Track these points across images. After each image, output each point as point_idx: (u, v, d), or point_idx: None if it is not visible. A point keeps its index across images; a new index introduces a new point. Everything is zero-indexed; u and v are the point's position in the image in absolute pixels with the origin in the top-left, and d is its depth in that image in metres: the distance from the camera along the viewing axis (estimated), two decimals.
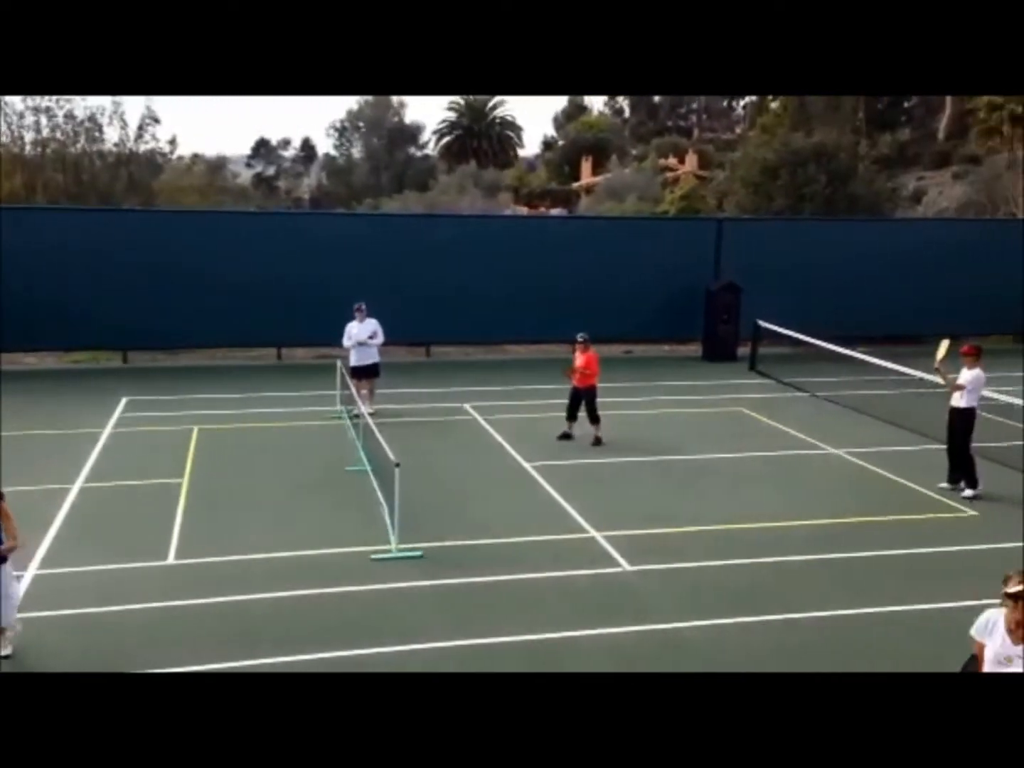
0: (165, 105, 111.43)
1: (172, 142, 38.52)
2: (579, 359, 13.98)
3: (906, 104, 63.63)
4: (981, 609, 5.48)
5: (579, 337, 14.05)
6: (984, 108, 36.50)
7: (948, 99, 52.92)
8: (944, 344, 12.08)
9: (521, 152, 79.21)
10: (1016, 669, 5.04)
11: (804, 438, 14.38)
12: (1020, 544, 9.95)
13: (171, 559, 9.58)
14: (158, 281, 19.39)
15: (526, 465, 12.89)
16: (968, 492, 11.70)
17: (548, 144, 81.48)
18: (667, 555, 9.80)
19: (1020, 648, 5.08)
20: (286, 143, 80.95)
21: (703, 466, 13.05)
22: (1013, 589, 5.03)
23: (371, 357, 15.33)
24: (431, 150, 75.60)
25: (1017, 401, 13.40)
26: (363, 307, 15.31)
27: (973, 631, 5.32)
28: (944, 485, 11.98)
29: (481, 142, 73.31)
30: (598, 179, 58.90)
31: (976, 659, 5.32)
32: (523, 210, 51.70)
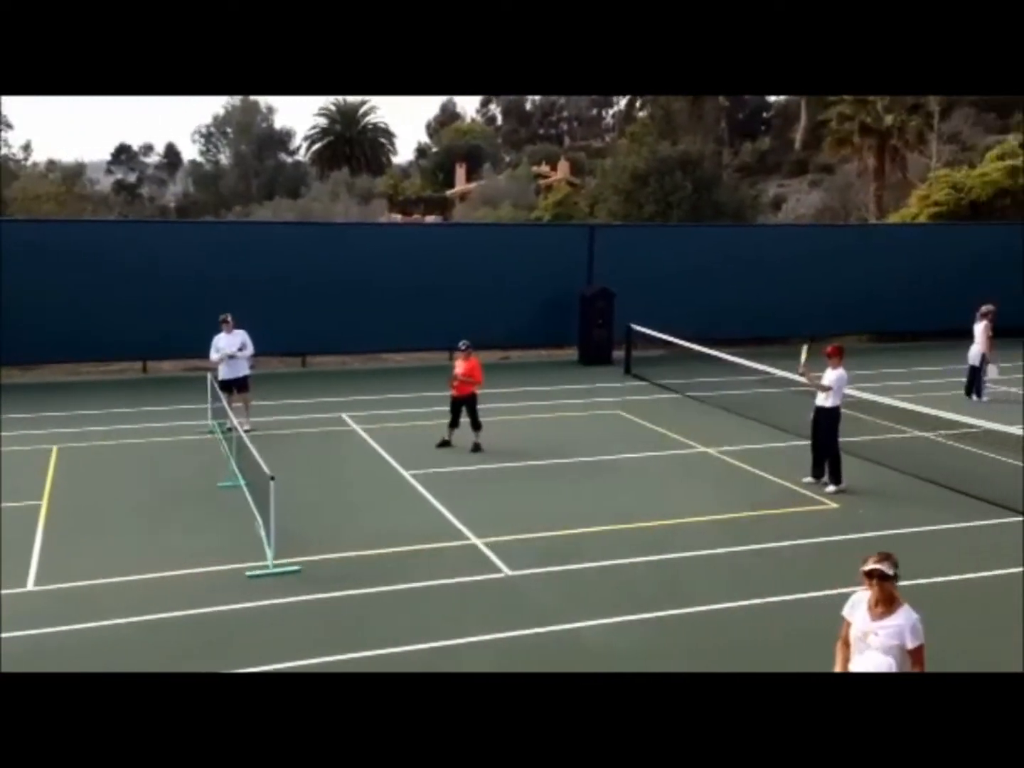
0: (18, 110, 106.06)
1: (26, 148, 36.80)
2: (461, 366, 13.98)
3: (765, 114, 66.46)
4: (847, 596, 5.74)
5: (461, 345, 14.07)
6: (836, 119, 38.34)
7: (803, 109, 55.49)
8: (805, 348, 12.61)
9: (395, 159, 78.94)
10: (873, 644, 5.31)
11: (678, 438, 14.75)
12: (879, 533, 10.47)
13: (30, 585, 9.07)
14: (10, 293, 18.37)
15: (405, 474, 12.79)
16: (831, 487, 12.21)
17: (422, 151, 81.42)
18: (548, 558, 9.87)
19: (877, 624, 5.35)
20: (149, 149, 78.34)
21: (582, 469, 13.23)
22: (867, 567, 5.31)
23: (241, 370, 14.91)
24: (302, 156, 74.46)
25: (874, 397, 14.11)
26: (229, 318, 14.90)
27: (843, 611, 5.60)
28: (809, 480, 12.46)
29: (354, 148, 72.60)
30: (472, 186, 59.17)
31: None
32: (398, 217, 51.44)
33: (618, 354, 20.95)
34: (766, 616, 8.65)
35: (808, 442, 12.80)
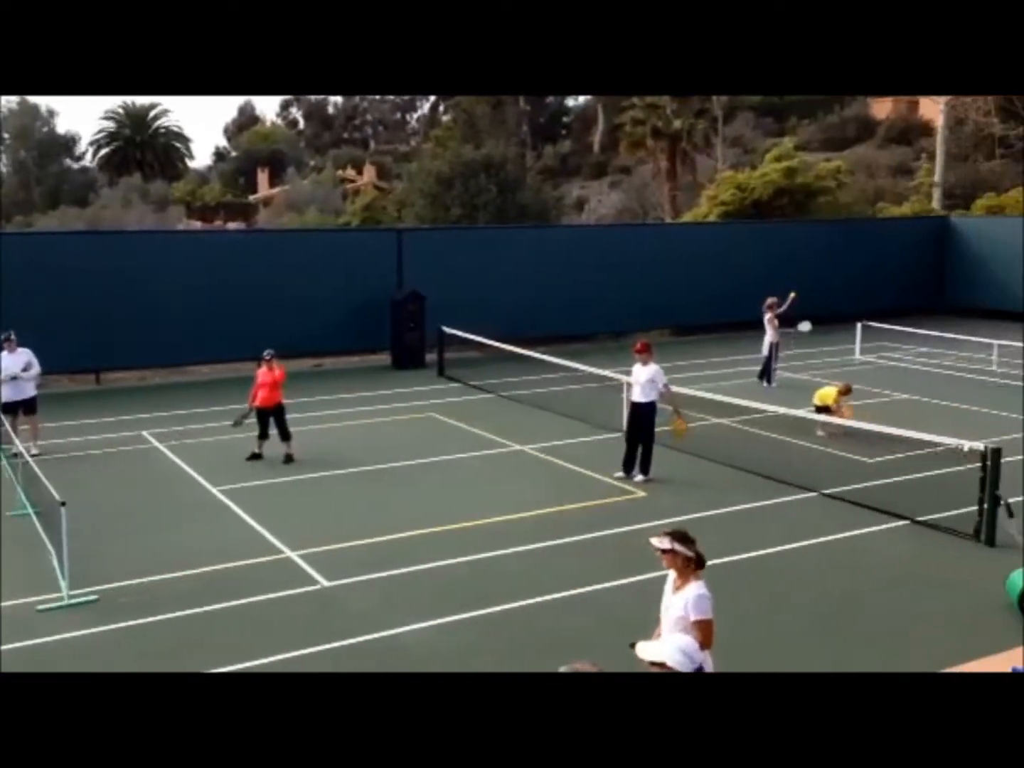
0: None
1: None
2: (265, 376, 13.55)
3: (565, 118, 68.38)
4: (657, 580, 5.94)
5: (265, 354, 13.65)
6: (629, 122, 39.91)
7: (600, 113, 57.51)
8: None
9: (191, 163, 75.73)
10: (669, 617, 5.55)
11: (493, 438, 14.89)
12: (685, 517, 10.92)
13: None
14: None
15: (214, 490, 12.26)
16: (640, 477, 12.65)
17: (221, 155, 78.69)
18: (366, 566, 9.71)
19: (673, 599, 5.61)
20: None
21: (398, 474, 13.12)
22: (651, 540, 5.63)
23: (27, 391, 13.83)
24: (89, 162, 70.22)
25: (676, 388, 14.72)
26: (12, 336, 13.82)
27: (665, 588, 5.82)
28: (620, 475, 12.83)
29: (145, 153, 69.09)
30: (276, 191, 57.80)
31: None
32: (198, 224, 49.51)
33: (431, 357, 20.95)
34: (585, 605, 8.86)
35: (619, 435, 13.20)
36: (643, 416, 12.62)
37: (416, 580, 9.45)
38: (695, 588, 5.54)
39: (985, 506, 10.19)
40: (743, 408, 14.67)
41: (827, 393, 14.99)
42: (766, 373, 18.91)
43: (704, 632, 5.44)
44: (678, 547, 5.54)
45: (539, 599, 8.94)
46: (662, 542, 5.56)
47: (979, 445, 10.49)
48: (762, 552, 10.09)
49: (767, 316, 18.96)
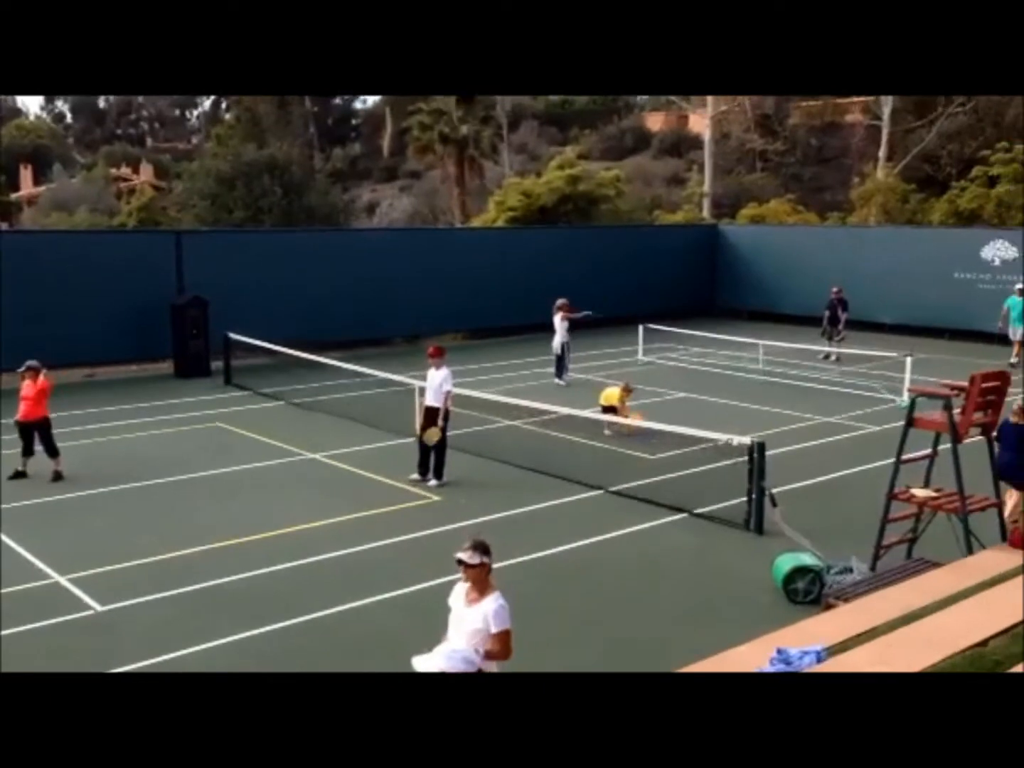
0: None
1: None
2: (29, 388, 12.58)
3: (354, 120, 67.72)
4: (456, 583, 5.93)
5: (25, 365, 12.68)
6: (417, 127, 39.97)
7: (388, 116, 57.30)
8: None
9: None
10: (463, 630, 5.50)
11: (284, 446, 14.48)
12: (481, 520, 11.07)
13: None
14: None
15: None
16: (434, 482, 12.67)
17: None
18: (149, 586, 9.19)
19: (468, 611, 5.54)
20: None
21: (183, 488, 12.50)
22: (455, 555, 5.53)
23: None
24: None
25: (466, 391, 14.92)
26: None
27: (449, 599, 5.72)
28: (415, 477, 12.81)
29: None
30: (41, 189, 53.86)
31: None
32: None
33: (217, 364, 20.11)
34: (386, 610, 8.79)
35: (412, 439, 13.16)
36: (432, 419, 12.67)
37: (205, 598, 9.03)
38: (494, 600, 5.48)
39: (753, 497, 10.94)
40: (533, 410, 15.02)
41: (612, 393, 15.59)
42: (559, 370, 19.52)
43: (504, 643, 5.45)
44: (486, 559, 5.52)
45: (339, 608, 8.77)
46: (472, 558, 5.46)
47: (746, 439, 11.24)
48: (551, 551, 10.33)
49: (558, 317, 19.57)
